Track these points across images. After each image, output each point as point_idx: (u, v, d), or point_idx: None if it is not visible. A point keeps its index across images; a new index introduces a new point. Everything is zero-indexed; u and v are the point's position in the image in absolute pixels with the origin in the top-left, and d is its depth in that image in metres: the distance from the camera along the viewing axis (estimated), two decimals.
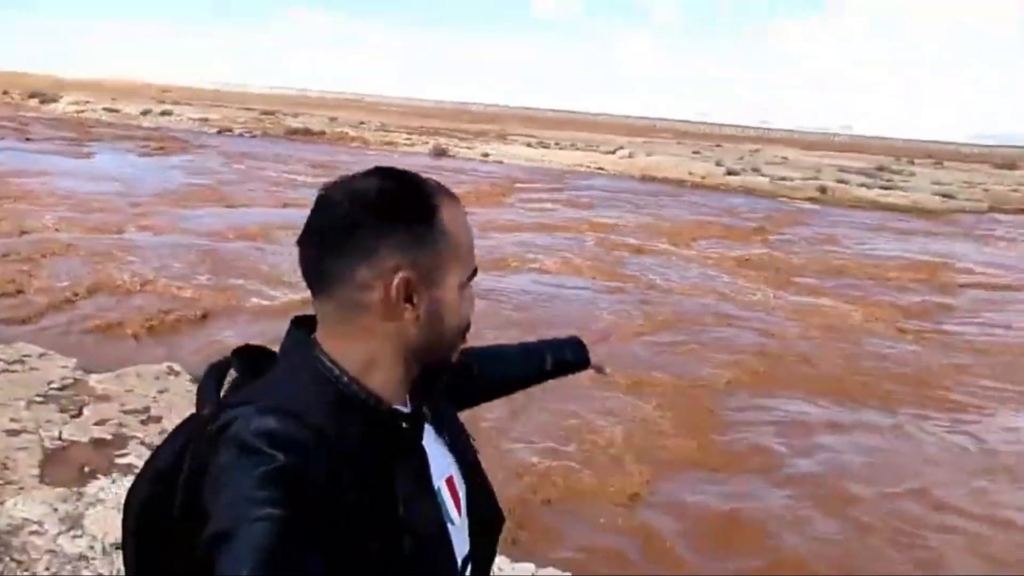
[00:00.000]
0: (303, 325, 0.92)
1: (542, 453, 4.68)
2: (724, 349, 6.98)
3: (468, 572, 0.96)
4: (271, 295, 7.56)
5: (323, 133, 34.82)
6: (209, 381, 0.88)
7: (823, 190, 24.99)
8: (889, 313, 8.92)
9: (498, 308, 7.74)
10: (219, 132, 32.74)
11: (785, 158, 39.98)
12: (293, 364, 0.87)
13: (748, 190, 25.08)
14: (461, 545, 0.94)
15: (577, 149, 34.54)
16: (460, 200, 0.93)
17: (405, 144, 32.68)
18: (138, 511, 0.86)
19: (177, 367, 5.33)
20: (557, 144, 36.68)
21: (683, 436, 5.06)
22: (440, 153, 30.18)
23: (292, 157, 23.25)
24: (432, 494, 0.90)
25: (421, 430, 0.91)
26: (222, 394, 0.86)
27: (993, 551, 4.06)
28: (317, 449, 0.77)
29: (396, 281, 0.84)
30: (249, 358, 0.91)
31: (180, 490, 0.80)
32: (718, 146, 46.06)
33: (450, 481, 0.95)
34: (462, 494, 0.97)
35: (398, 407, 0.89)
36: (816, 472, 4.75)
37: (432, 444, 0.93)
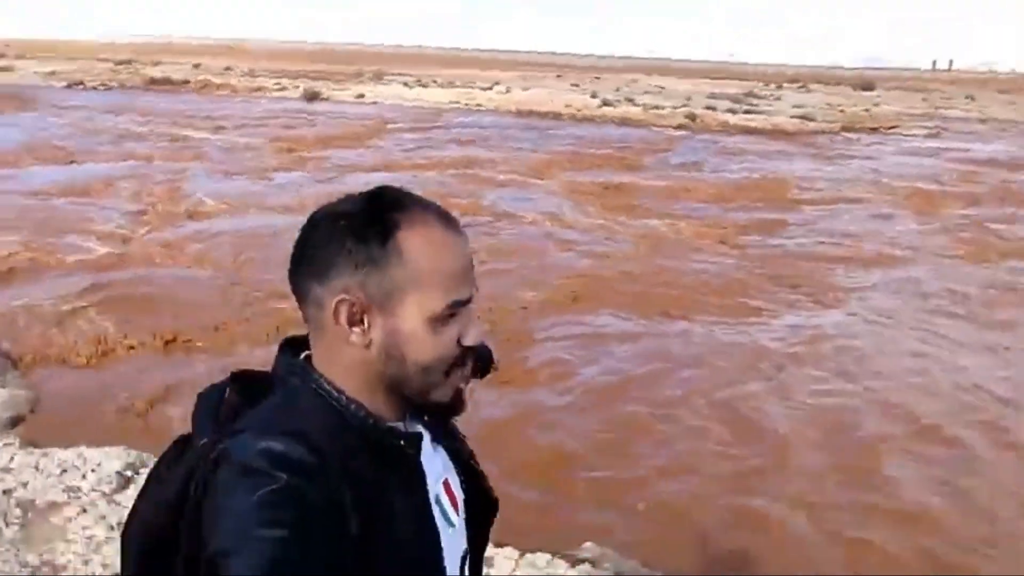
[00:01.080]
0: (293, 346, 0.91)
1: None
2: (555, 272, 7.25)
3: (467, 567, 0.98)
4: (89, 248, 7.23)
5: (186, 82, 32.78)
6: (204, 409, 0.87)
7: (692, 117, 25.78)
8: (719, 231, 9.43)
9: None
10: (68, 86, 30.26)
11: (662, 87, 40.80)
12: (292, 388, 0.86)
13: (622, 120, 25.56)
14: (460, 546, 0.96)
15: (455, 87, 34.03)
16: (453, 222, 0.87)
17: (275, 89, 31.26)
18: (141, 544, 0.84)
19: None
20: (435, 82, 36.02)
21: None
22: (312, 97, 29.04)
23: (143, 108, 21.84)
24: (428, 507, 0.90)
25: (419, 449, 0.90)
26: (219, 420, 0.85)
27: (715, 445, 4.45)
28: (319, 470, 0.76)
29: (336, 301, 0.82)
30: (246, 383, 0.89)
31: (186, 521, 0.78)
32: (597, 78, 46.41)
33: (447, 484, 0.96)
34: (459, 495, 0.98)
35: (395, 424, 0.89)
36: (598, 379, 5.07)
37: (429, 454, 0.93)
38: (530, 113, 26.92)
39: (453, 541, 0.93)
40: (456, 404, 0.90)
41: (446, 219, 0.86)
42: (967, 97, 42.33)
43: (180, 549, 0.78)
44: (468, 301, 0.86)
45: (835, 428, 4.59)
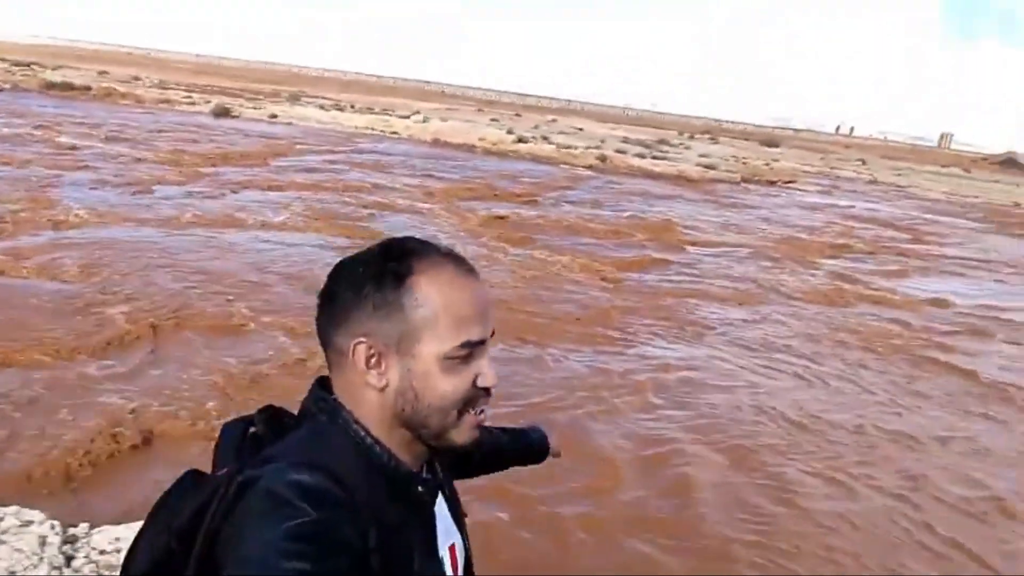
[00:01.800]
0: (325, 385, 0.91)
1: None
2: None
3: None
4: None
5: (88, 88, 31.36)
6: (228, 440, 0.88)
7: (602, 158, 26.49)
8: (601, 266, 9.62)
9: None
10: None
11: (580, 128, 41.94)
12: (320, 425, 0.87)
13: (534, 157, 25.97)
14: None
15: (373, 113, 33.91)
16: (466, 266, 0.88)
17: (184, 103, 30.32)
18: (147, 569, 0.82)
19: None
20: (352, 107, 35.79)
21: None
22: (222, 113, 28.26)
23: (30, 112, 20.73)
24: (438, 560, 0.90)
25: (435, 496, 0.92)
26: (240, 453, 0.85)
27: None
28: (348, 506, 0.76)
29: (354, 344, 0.84)
30: (272, 418, 0.89)
31: (199, 548, 0.76)
32: (518, 115, 47.27)
33: (452, 548, 0.96)
34: (461, 562, 0.98)
35: (416, 471, 0.90)
36: None
37: (442, 510, 0.94)
38: (444, 144, 27.06)
39: None
40: (472, 445, 0.90)
41: (460, 263, 0.88)
42: (859, 160, 45.28)
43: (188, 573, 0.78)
44: (482, 342, 0.87)
45: (653, 454, 4.72)
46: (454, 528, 0.98)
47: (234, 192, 11.94)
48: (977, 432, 5.78)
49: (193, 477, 0.87)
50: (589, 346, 6.39)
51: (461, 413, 0.87)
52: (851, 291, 9.96)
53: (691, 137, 46.44)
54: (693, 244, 12.32)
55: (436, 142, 27.19)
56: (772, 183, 27.20)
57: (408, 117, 33.14)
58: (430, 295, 0.84)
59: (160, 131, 19.65)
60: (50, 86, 30.72)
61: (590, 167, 25.06)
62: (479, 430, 0.90)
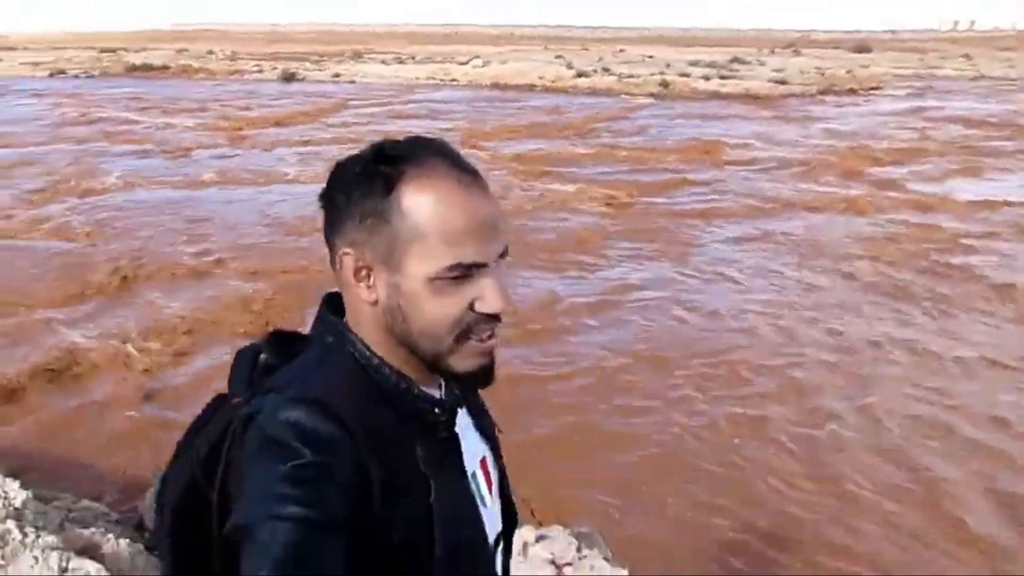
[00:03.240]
0: (335, 303, 0.86)
1: None
2: None
3: (499, 551, 0.95)
4: None
5: (166, 68, 32.90)
6: (240, 366, 0.84)
7: (664, 84, 25.41)
8: (615, 192, 9.33)
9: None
10: (51, 75, 30.51)
11: (650, 56, 40.29)
12: (325, 347, 0.82)
13: (593, 90, 25.27)
14: (494, 525, 0.91)
15: (434, 63, 33.83)
16: (469, 175, 0.78)
17: (254, 71, 31.30)
18: (176, 505, 0.81)
19: None
20: (413, 59, 35.82)
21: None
22: (289, 78, 29.05)
23: (106, 95, 21.96)
24: (465, 479, 0.86)
25: (454, 416, 0.86)
26: (253, 378, 0.82)
27: None
28: (345, 444, 0.73)
29: (341, 255, 0.79)
30: (281, 342, 0.85)
31: (218, 477, 0.77)
32: (585, 49, 45.88)
33: (483, 463, 0.92)
34: (494, 476, 0.94)
35: (429, 390, 0.84)
36: None
37: (465, 427, 0.90)
38: (504, 86, 26.73)
39: (488, 520, 0.88)
40: (480, 375, 0.82)
41: (460, 171, 0.78)
42: (963, 56, 41.33)
43: (213, 505, 0.77)
44: (483, 265, 0.77)
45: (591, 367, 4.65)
46: (482, 443, 0.93)
47: (266, 151, 12.32)
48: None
49: (212, 407, 0.85)
50: (556, 271, 6.26)
51: (460, 339, 0.79)
52: (886, 198, 9.20)
53: (771, 52, 43.67)
54: (733, 163, 11.70)
55: (495, 85, 26.93)
56: (853, 91, 25.32)
57: (467, 63, 32.84)
58: (419, 206, 0.75)
59: (217, 100, 20.42)
60: (132, 68, 32.46)
61: (651, 95, 24.15)
62: (487, 358, 0.81)
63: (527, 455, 3.51)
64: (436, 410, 0.82)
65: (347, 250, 0.78)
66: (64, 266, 6.03)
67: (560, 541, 2.68)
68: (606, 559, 2.64)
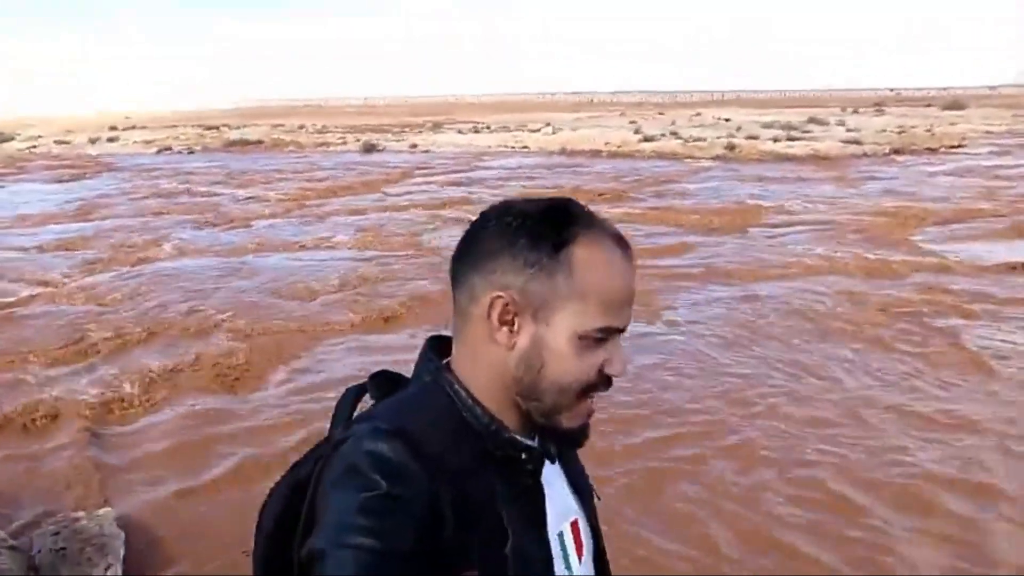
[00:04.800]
0: (437, 345, 0.92)
1: None
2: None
3: None
4: (12, 291, 8.23)
5: (260, 142, 35.44)
6: (344, 402, 0.88)
7: (731, 147, 25.32)
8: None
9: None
10: (159, 152, 33.47)
11: (727, 119, 40.20)
12: (422, 385, 0.87)
13: (658, 154, 25.47)
14: None
15: (507, 131, 34.98)
16: (628, 250, 0.86)
17: (338, 143, 33.27)
18: (273, 523, 0.85)
19: None
20: (488, 128, 37.13)
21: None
22: (369, 149, 30.65)
23: (196, 168, 23.85)
24: (544, 530, 0.86)
25: (541, 464, 0.88)
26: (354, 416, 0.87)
27: None
28: (422, 478, 0.75)
29: (492, 296, 0.82)
30: (385, 382, 0.90)
31: (307, 503, 0.79)
32: (660, 114, 46.28)
33: (575, 525, 0.92)
34: (587, 542, 0.93)
35: (521, 438, 0.86)
36: None
37: (556, 484, 0.91)
38: (571, 152, 27.32)
39: None
40: (580, 433, 0.87)
41: (623, 245, 0.86)
42: None
43: (299, 527, 0.79)
44: (621, 331, 0.84)
45: None
46: (575, 505, 0.93)
47: (319, 220, 13.09)
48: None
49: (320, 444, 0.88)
50: None
51: (580, 396, 0.83)
52: (912, 262, 8.85)
53: (854, 111, 42.72)
54: (764, 225, 11.57)
55: (563, 151, 27.57)
56: (931, 151, 24.42)
57: (539, 131, 33.80)
58: (587, 270, 0.81)
59: (298, 172, 21.81)
60: (231, 144, 35.18)
61: (716, 157, 24.11)
62: (589, 418, 0.87)
63: None
64: (523, 455, 0.85)
65: (499, 293, 0.81)
66: (72, 328, 6.68)
67: None
68: None
